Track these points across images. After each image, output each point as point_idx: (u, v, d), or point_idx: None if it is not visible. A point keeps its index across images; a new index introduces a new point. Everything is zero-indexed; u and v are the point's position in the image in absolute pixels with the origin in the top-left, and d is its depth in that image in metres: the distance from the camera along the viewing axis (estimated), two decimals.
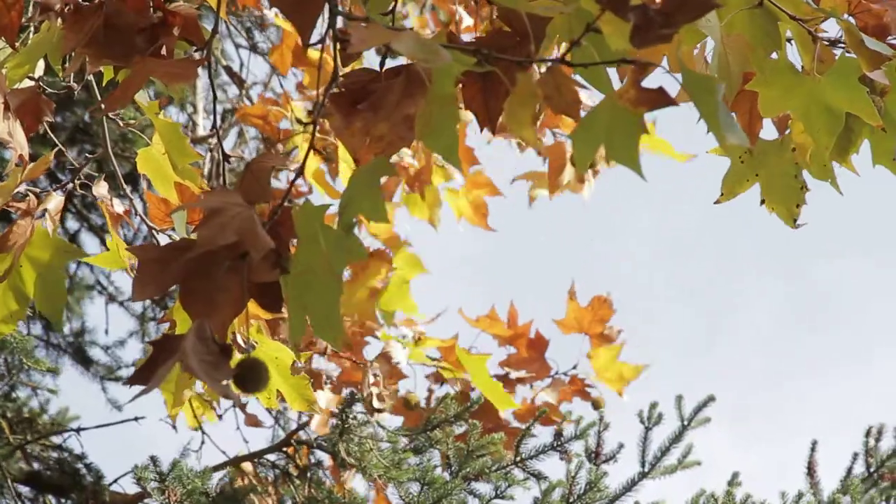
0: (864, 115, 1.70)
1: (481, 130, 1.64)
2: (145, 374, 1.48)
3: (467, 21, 3.82)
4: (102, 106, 1.81)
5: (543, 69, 1.58)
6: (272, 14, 4.18)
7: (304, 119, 3.83)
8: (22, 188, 2.02)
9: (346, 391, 3.56)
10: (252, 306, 1.57)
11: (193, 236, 1.51)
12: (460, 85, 1.62)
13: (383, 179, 1.54)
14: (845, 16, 1.79)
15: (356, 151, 1.54)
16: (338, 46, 1.59)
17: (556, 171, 3.70)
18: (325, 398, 3.54)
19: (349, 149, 1.54)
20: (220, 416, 3.99)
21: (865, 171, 1.83)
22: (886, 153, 1.80)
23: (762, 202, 1.88)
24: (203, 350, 1.45)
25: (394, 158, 3.78)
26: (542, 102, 1.60)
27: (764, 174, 1.87)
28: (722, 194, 1.89)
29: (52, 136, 2.22)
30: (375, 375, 3.47)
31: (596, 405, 4.00)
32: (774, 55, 1.75)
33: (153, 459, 3.23)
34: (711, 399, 3.42)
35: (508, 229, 3.81)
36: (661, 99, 1.42)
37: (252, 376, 1.55)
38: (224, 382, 1.44)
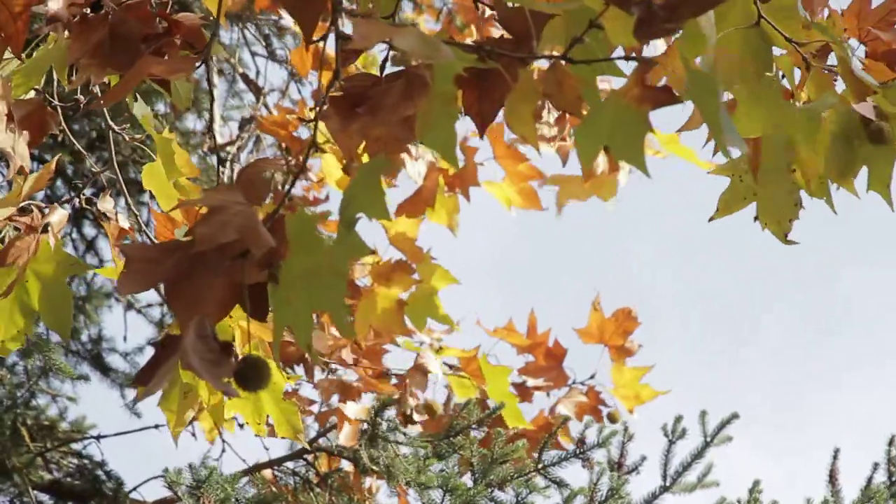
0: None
1: (480, 136, 1.64)
2: (148, 375, 1.47)
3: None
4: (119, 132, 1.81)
5: (543, 69, 1.57)
6: (291, 21, 4.18)
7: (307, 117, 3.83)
8: (40, 196, 2.01)
9: (369, 399, 3.54)
10: (252, 326, 1.56)
11: (184, 238, 1.50)
12: (460, 90, 1.61)
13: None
14: (852, 41, 1.78)
15: (351, 153, 1.53)
16: (339, 44, 1.59)
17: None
18: (354, 409, 3.53)
19: (344, 150, 1.53)
20: (241, 426, 3.98)
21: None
22: (882, 179, 1.78)
23: (755, 219, 1.86)
24: (203, 348, 1.44)
25: (430, 159, 3.79)
26: (542, 99, 1.59)
27: (763, 194, 1.84)
28: (717, 210, 1.87)
29: (70, 141, 2.21)
30: (414, 388, 3.47)
31: (612, 419, 3.98)
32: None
33: (190, 466, 3.23)
34: (735, 416, 3.39)
35: (527, 237, 3.79)
36: (665, 97, 1.42)
37: (253, 374, 1.53)
38: (225, 380, 1.43)
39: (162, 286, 1.52)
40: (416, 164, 3.80)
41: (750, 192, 1.83)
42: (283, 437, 2.02)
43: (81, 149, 2.24)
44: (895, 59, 1.77)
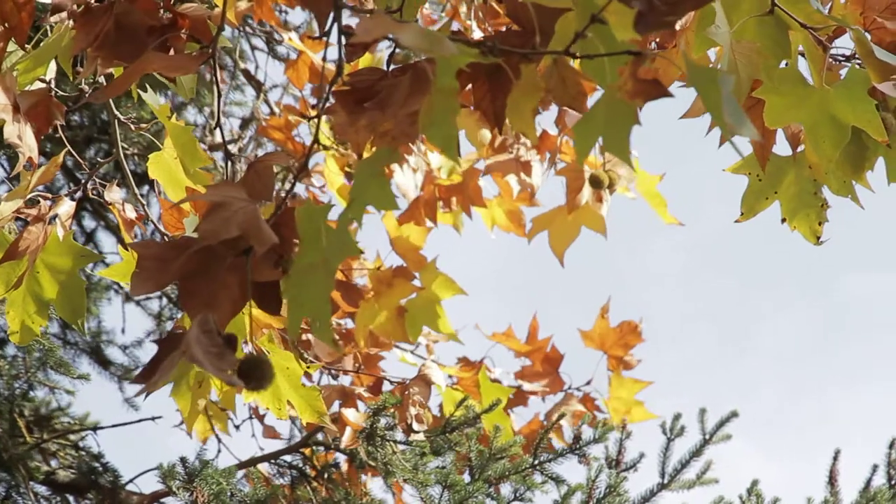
0: (870, 129, 1.67)
1: (491, 131, 1.64)
2: (151, 372, 1.47)
3: (477, 34, 3.78)
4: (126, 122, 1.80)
5: (547, 64, 1.57)
6: (287, 37, 4.20)
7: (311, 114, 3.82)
8: (41, 188, 2.01)
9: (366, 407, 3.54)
10: (264, 315, 1.56)
11: (195, 234, 1.51)
12: (469, 85, 1.62)
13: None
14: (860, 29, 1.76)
15: (360, 147, 1.53)
16: (342, 41, 1.59)
17: (574, 191, 3.65)
18: (354, 415, 3.53)
19: (353, 145, 1.53)
20: (237, 427, 3.98)
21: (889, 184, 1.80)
22: None
23: (783, 221, 1.86)
24: (207, 342, 1.45)
25: (426, 170, 3.79)
26: (545, 95, 1.59)
27: (782, 192, 1.84)
28: (742, 213, 1.86)
29: (65, 137, 2.21)
30: (414, 398, 3.46)
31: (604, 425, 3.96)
32: (784, 64, 1.72)
33: (182, 461, 3.22)
34: (734, 415, 3.39)
35: (531, 247, 3.77)
36: (656, 90, 1.43)
37: (256, 374, 1.54)
38: (228, 372, 1.44)
39: (173, 285, 1.52)
40: (415, 176, 3.80)
41: (770, 190, 1.83)
42: (307, 422, 2.01)
43: (75, 143, 2.23)
44: None
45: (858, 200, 1.81)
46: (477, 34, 3.61)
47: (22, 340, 2.03)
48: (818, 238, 1.84)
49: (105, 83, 2.17)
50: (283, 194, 1.60)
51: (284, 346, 2.04)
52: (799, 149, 1.85)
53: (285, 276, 1.52)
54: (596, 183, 3.57)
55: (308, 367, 1.97)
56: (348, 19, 3.05)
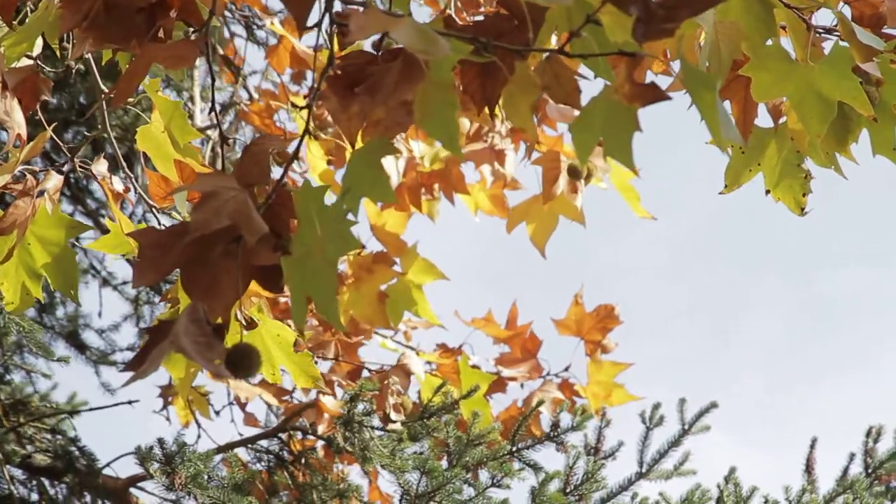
0: (856, 104, 1.69)
1: (478, 114, 1.63)
2: (140, 360, 1.47)
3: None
4: (110, 97, 1.79)
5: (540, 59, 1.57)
6: (268, 22, 4.19)
7: (300, 103, 3.81)
8: (21, 168, 2.01)
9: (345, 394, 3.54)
10: (253, 285, 1.56)
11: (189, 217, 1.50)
12: (458, 66, 1.61)
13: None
14: (841, 4, 1.78)
15: (352, 135, 1.52)
16: (334, 30, 1.58)
17: (550, 181, 3.63)
18: (331, 402, 3.54)
19: (345, 132, 1.52)
20: (217, 413, 3.98)
21: (875, 180, 1.81)
22: (886, 143, 1.78)
23: (767, 192, 1.87)
24: (196, 331, 1.46)
25: (406, 154, 3.77)
26: (540, 92, 1.58)
27: (765, 163, 1.85)
28: (726, 185, 1.88)
29: (43, 118, 2.21)
30: (393, 387, 3.46)
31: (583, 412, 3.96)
32: (769, 42, 1.74)
33: (160, 442, 3.22)
34: (714, 406, 3.40)
35: (512, 234, 3.77)
36: (654, 94, 1.40)
37: (243, 362, 1.54)
38: (217, 362, 1.44)
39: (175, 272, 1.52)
40: (397, 163, 3.79)
41: (753, 162, 1.84)
42: (301, 388, 2.01)
43: (54, 124, 2.23)
44: (881, 21, 1.78)
45: (842, 172, 1.82)
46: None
47: (18, 309, 2.05)
48: (802, 209, 1.86)
49: (93, 62, 2.17)
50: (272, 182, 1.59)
51: (273, 314, 2.05)
52: (781, 120, 1.87)
53: (286, 256, 1.52)
54: (574, 173, 3.55)
55: (300, 336, 1.97)
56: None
